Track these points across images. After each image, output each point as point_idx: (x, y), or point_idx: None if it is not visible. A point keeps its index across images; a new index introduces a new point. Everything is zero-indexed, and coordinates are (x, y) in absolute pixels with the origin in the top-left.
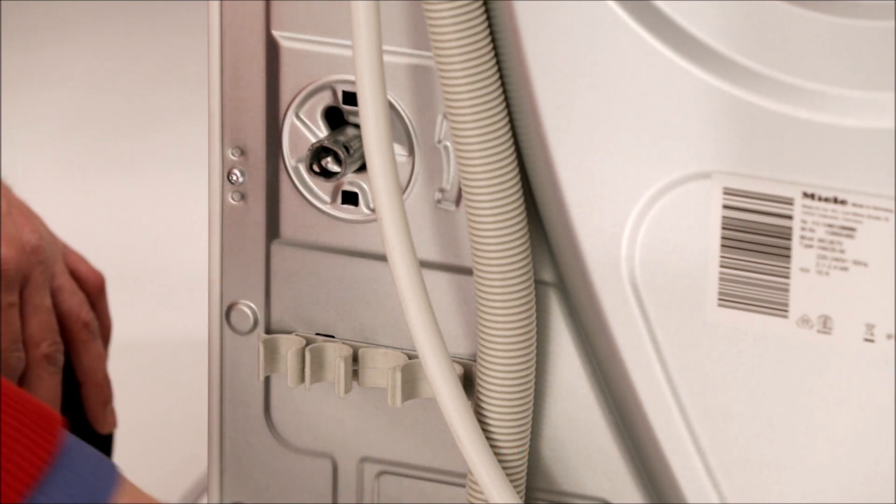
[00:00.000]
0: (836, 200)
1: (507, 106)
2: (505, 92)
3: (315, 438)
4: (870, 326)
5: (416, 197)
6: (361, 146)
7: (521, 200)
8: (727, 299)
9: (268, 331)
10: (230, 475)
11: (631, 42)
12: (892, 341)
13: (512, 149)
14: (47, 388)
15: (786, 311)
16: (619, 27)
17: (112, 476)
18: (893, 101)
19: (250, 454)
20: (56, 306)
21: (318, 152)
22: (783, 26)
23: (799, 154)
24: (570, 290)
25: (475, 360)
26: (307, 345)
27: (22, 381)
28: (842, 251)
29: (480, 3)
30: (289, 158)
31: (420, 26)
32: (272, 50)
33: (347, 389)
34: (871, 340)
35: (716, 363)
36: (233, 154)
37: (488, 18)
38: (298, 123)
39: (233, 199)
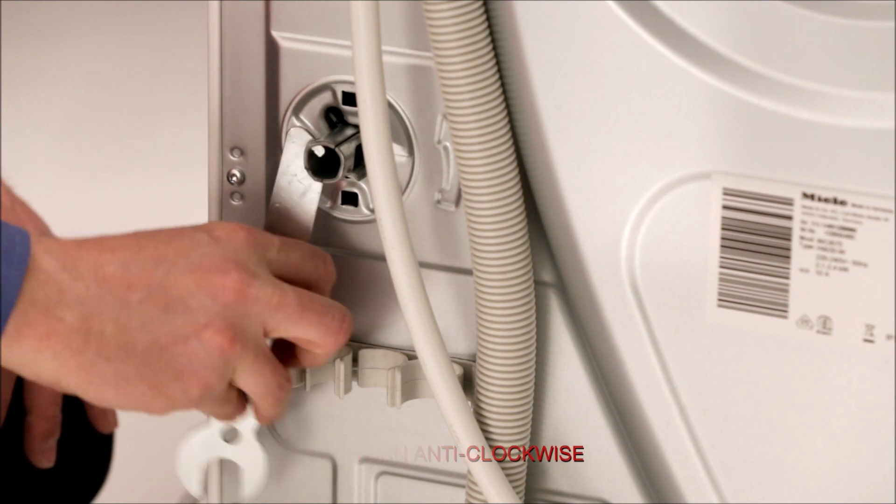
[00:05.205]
0: (835, 201)
1: (507, 106)
2: (505, 92)
3: (315, 438)
4: (869, 327)
5: (416, 197)
6: (361, 146)
7: (521, 201)
8: (727, 300)
9: None
10: (230, 475)
11: (631, 42)
12: (892, 341)
13: (512, 149)
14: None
15: (785, 311)
16: (619, 27)
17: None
18: (893, 101)
19: None
20: None
21: (316, 152)
22: (783, 26)
23: (799, 154)
24: (569, 290)
25: (475, 360)
26: None
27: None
28: (841, 252)
29: (480, 3)
30: None
31: (420, 26)
32: (272, 50)
33: (347, 390)
34: (871, 341)
35: (716, 363)
36: (233, 154)
37: (488, 18)
38: (298, 124)
39: (233, 199)
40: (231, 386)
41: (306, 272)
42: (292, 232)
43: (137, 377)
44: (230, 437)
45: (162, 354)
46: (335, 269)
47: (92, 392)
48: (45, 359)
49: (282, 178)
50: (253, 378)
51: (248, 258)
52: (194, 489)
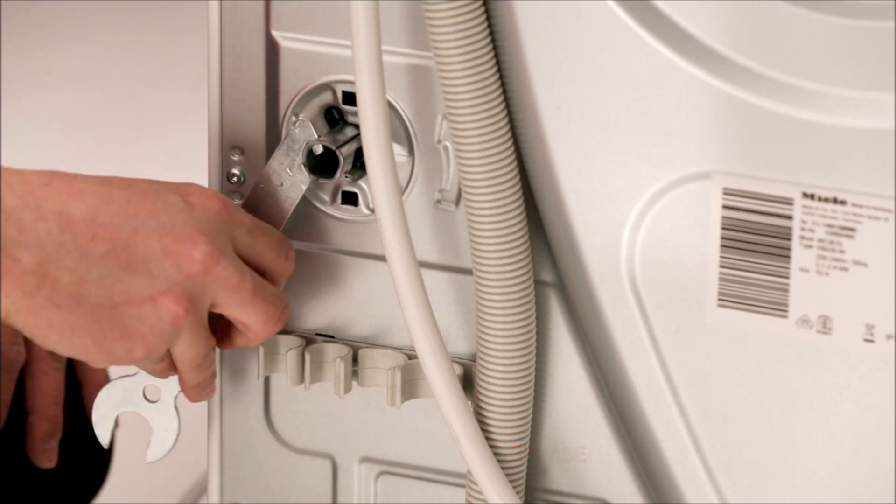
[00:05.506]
0: (835, 200)
1: (507, 106)
2: (505, 92)
3: (315, 438)
4: (869, 327)
5: (416, 197)
6: (361, 146)
7: (521, 200)
8: (727, 299)
9: None
10: (230, 475)
11: (631, 42)
12: (892, 341)
13: (512, 149)
14: (51, 384)
15: (785, 311)
16: (619, 27)
17: None
18: (893, 101)
19: (250, 454)
20: None
21: (315, 152)
22: (783, 26)
23: (799, 154)
24: (569, 290)
25: (475, 360)
26: (307, 345)
27: (26, 375)
28: (841, 251)
29: (480, 3)
30: None
31: (420, 26)
32: (272, 50)
33: (347, 389)
34: (871, 341)
35: (716, 363)
36: (233, 154)
37: (488, 18)
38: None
39: (233, 199)
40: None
41: (266, 260)
42: (267, 219)
43: (84, 329)
44: (152, 395)
45: (113, 312)
46: (294, 264)
47: (37, 334)
48: None
49: (274, 164)
50: (189, 348)
51: (217, 233)
52: (103, 438)
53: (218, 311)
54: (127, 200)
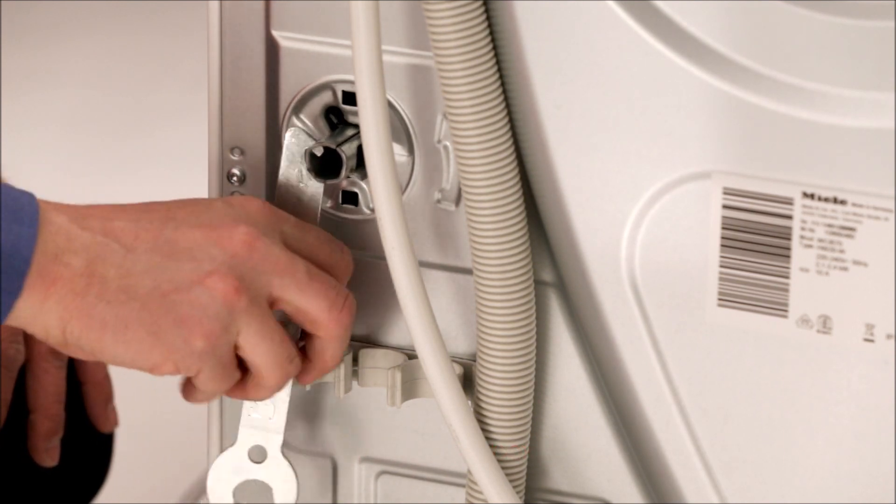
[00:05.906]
0: (835, 200)
1: (507, 106)
2: (505, 92)
3: (315, 438)
4: (869, 326)
5: (416, 197)
6: (361, 146)
7: (521, 200)
8: (727, 299)
9: None
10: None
11: (631, 42)
12: (892, 341)
13: (512, 149)
14: (53, 382)
15: (786, 311)
16: (619, 27)
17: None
18: (893, 101)
19: None
20: None
21: (316, 153)
22: (783, 26)
23: (799, 154)
24: (570, 290)
25: (475, 360)
26: None
27: (27, 373)
28: (842, 251)
29: (480, 3)
30: None
31: (420, 26)
32: (272, 50)
33: (347, 389)
34: (871, 340)
35: (716, 363)
36: (233, 154)
37: (488, 18)
38: (298, 123)
39: None
40: (234, 356)
41: (322, 256)
42: None
43: (137, 322)
44: (257, 456)
45: (164, 301)
46: (353, 262)
47: (93, 338)
48: (50, 306)
49: (282, 182)
50: (261, 342)
51: (258, 223)
52: None
53: (279, 304)
54: (166, 208)
